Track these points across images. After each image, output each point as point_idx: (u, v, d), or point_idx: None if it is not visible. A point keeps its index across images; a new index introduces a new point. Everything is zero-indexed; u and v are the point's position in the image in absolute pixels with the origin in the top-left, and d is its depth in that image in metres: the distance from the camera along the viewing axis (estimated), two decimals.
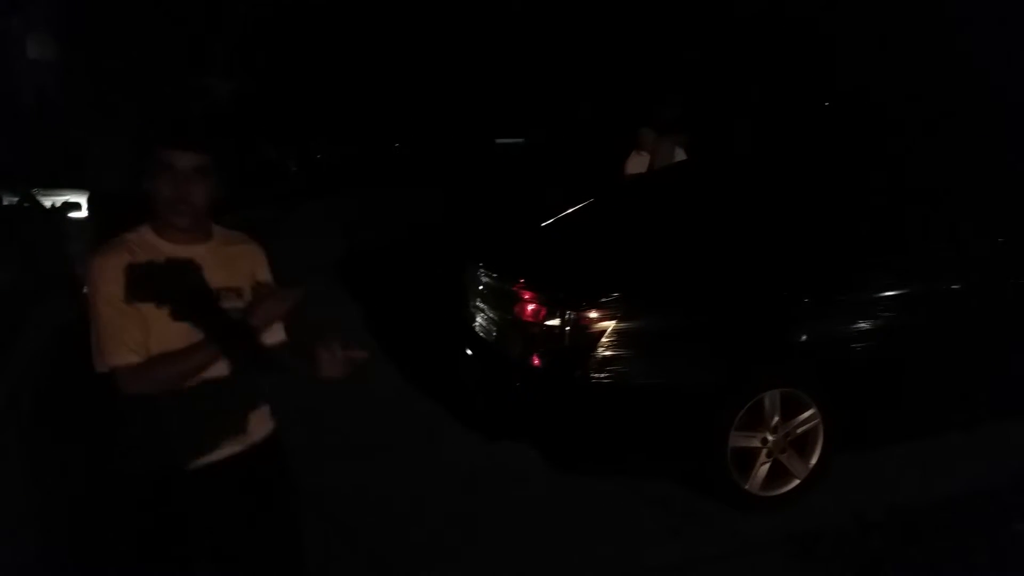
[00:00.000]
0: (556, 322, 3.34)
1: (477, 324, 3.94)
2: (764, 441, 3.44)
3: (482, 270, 3.91)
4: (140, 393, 1.82)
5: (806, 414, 3.47)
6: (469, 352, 3.96)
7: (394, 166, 16.55)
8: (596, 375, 3.29)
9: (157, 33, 16.11)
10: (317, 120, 19.35)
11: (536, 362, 3.44)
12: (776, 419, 3.44)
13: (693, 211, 3.93)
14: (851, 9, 13.28)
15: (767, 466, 3.45)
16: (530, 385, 3.49)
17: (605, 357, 3.28)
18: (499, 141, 16.83)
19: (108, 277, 1.79)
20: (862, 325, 3.57)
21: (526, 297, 3.50)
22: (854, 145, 4.66)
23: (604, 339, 3.29)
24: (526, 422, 3.61)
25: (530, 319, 3.46)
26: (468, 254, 4.14)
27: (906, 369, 3.67)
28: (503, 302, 3.68)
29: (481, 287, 3.91)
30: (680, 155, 6.99)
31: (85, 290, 1.84)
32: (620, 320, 3.29)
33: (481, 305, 3.90)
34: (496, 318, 3.75)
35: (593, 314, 3.30)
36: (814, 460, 3.49)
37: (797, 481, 3.48)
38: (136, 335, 1.79)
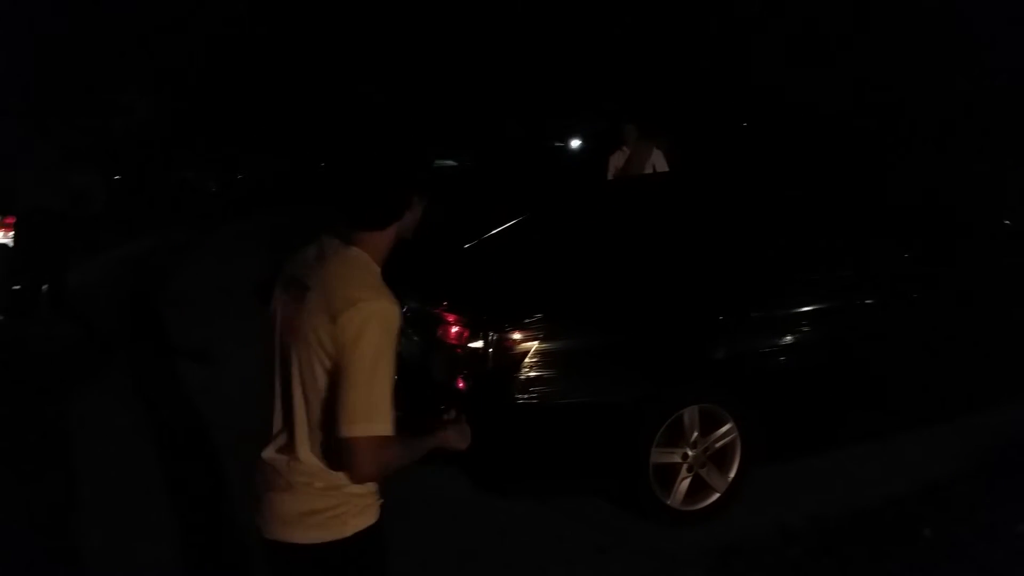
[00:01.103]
0: (479, 344, 3.35)
1: (402, 348, 3.90)
2: (684, 456, 3.50)
3: (405, 292, 3.89)
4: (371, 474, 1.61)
5: (724, 428, 3.56)
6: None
7: (322, 184, 16.33)
8: (520, 396, 3.30)
9: (79, 49, 15.62)
10: (241, 138, 18.99)
11: (461, 385, 3.44)
12: (695, 434, 3.51)
13: (612, 232, 4.00)
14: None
15: (688, 481, 3.52)
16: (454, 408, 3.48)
17: (529, 378, 3.30)
18: (437, 162, 16.80)
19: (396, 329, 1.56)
20: (776, 341, 3.68)
21: (449, 320, 3.50)
22: (768, 164, 4.84)
23: (527, 360, 3.30)
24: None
25: (454, 342, 3.46)
26: (392, 277, 4.11)
27: (820, 383, 3.79)
28: (427, 325, 3.66)
29: (405, 310, 3.89)
30: (659, 157, 7.16)
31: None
32: (543, 341, 3.32)
33: (405, 329, 3.87)
34: (421, 341, 3.72)
35: (516, 336, 3.32)
36: (733, 473, 3.57)
37: (717, 495, 3.56)
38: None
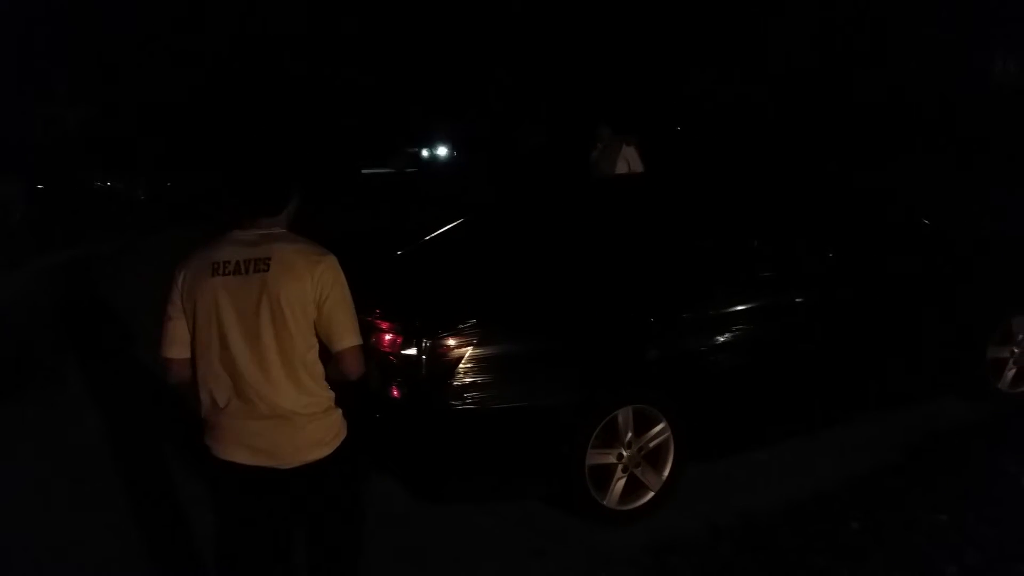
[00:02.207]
0: (413, 351, 3.32)
1: None
2: (619, 457, 3.54)
3: None
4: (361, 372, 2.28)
5: (657, 428, 3.60)
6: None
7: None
8: (455, 402, 3.29)
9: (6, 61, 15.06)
10: (172, 147, 18.50)
11: (395, 392, 3.41)
12: (630, 435, 3.55)
13: (545, 236, 4.02)
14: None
15: (623, 481, 3.56)
16: (389, 416, 3.45)
17: (463, 384, 3.29)
18: (365, 171, 16.63)
19: None
20: (706, 341, 3.75)
21: (382, 327, 3.46)
22: (699, 167, 4.93)
23: (462, 366, 3.30)
24: (387, 454, 3.56)
25: (387, 349, 3.43)
26: None
27: (750, 381, 3.87)
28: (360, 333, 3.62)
29: None
30: (631, 154, 7.46)
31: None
32: (477, 346, 3.32)
33: None
34: None
35: (450, 341, 3.31)
36: (667, 472, 3.62)
37: (652, 493, 3.60)
38: None
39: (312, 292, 2.16)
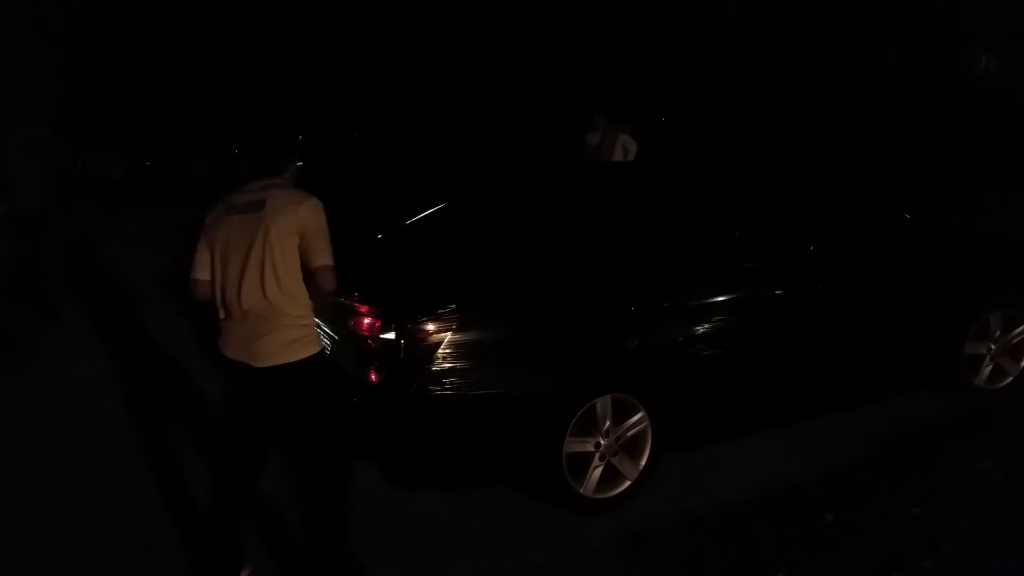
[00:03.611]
0: (391, 336, 3.29)
1: None
2: (597, 445, 3.53)
3: None
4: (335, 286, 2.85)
5: (635, 417, 3.60)
6: None
7: (240, 172, 15.75)
8: (433, 388, 3.27)
9: None
10: (152, 124, 18.12)
11: (373, 377, 3.37)
12: (608, 423, 3.54)
13: (526, 222, 3.98)
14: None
15: (600, 469, 3.55)
16: (367, 401, 3.41)
17: (442, 370, 3.27)
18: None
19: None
20: (686, 331, 3.74)
21: (361, 311, 3.42)
22: (681, 158, 4.91)
23: (440, 352, 3.27)
24: (364, 439, 3.52)
25: (365, 333, 3.39)
26: None
27: (728, 372, 3.87)
28: (338, 317, 3.57)
29: None
30: (628, 141, 7.55)
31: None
32: (456, 332, 3.29)
33: (316, 319, 3.77)
34: (331, 333, 3.64)
35: (429, 327, 3.28)
36: (644, 461, 3.62)
37: (629, 482, 3.60)
38: None
39: (295, 225, 2.74)
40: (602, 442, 3.54)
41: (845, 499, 3.52)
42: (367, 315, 3.37)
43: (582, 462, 3.52)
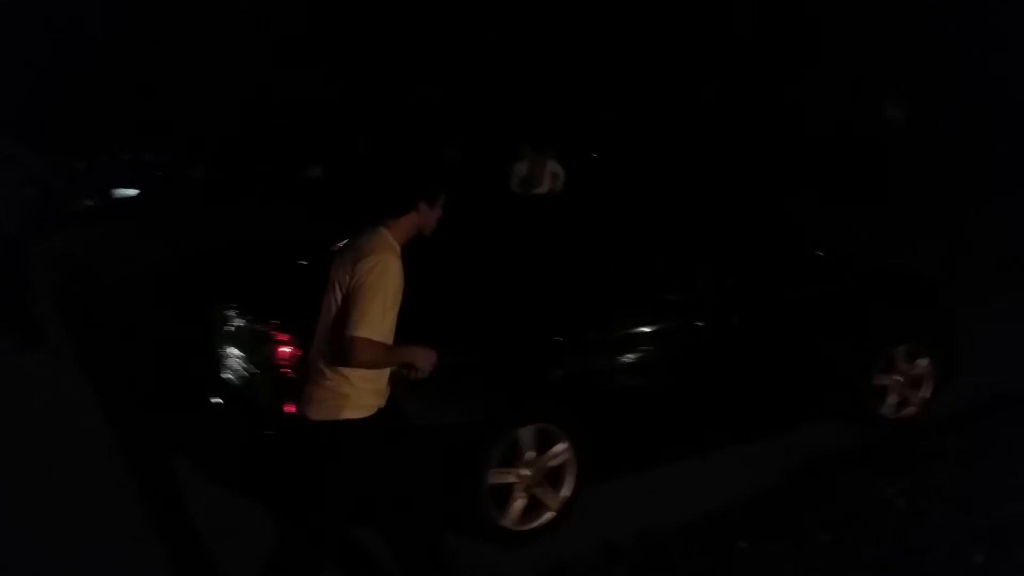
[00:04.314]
0: None
1: (226, 369, 3.70)
2: (520, 476, 3.53)
3: (233, 310, 3.70)
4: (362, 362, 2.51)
5: (559, 448, 3.61)
6: (217, 400, 3.71)
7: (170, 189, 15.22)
8: None
9: None
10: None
11: (291, 409, 3.28)
12: (531, 454, 3.54)
13: (451, 253, 3.99)
14: None
15: (523, 501, 3.54)
16: (284, 434, 3.32)
17: None
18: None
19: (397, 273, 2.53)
20: (610, 362, 3.80)
21: (281, 339, 3.35)
22: (608, 193, 5.01)
23: None
24: (281, 473, 3.43)
25: (284, 362, 3.32)
26: (218, 293, 3.91)
27: (650, 402, 3.93)
28: (255, 345, 3.49)
29: (231, 329, 3.69)
30: (556, 168, 7.75)
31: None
32: None
33: (231, 349, 3.68)
34: (247, 362, 3.55)
35: None
36: (567, 492, 3.63)
37: (551, 513, 3.60)
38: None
39: (347, 278, 2.52)
40: (525, 473, 3.54)
41: (760, 526, 3.60)
42: (285, 343, 3.29)
43: (504, 493, 3.50)
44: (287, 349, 3.31)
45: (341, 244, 2.67)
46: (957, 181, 12.19)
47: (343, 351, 2.48)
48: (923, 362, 4.88)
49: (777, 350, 4.41)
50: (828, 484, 3.99)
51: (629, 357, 3.84)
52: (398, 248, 2.61)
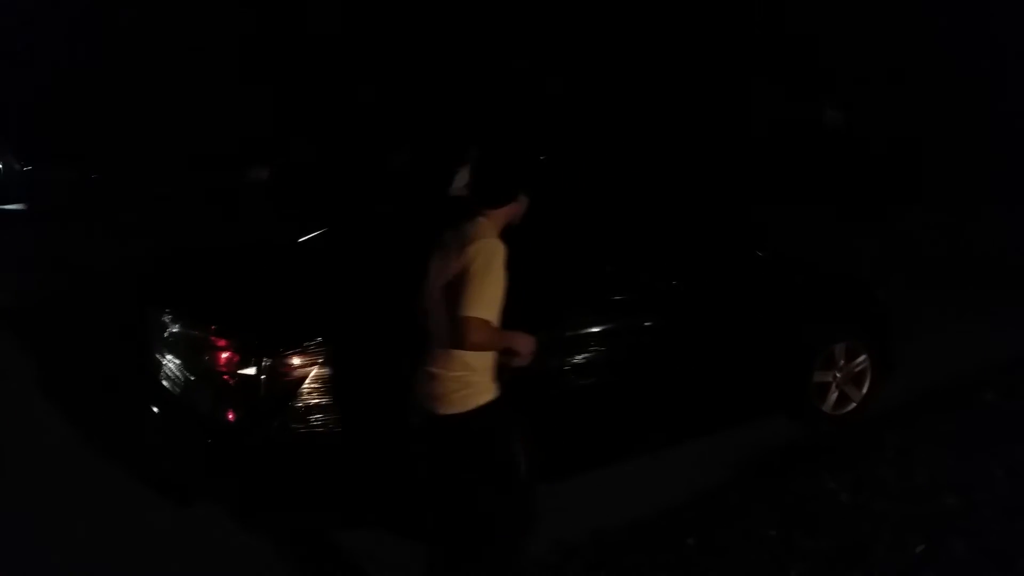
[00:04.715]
0: (252, 371, 3.13)
1: (163, 377, 3.59)
2: None
3: (168, 316, 3.58)
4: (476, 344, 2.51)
5: None
6: (154, 409, 3.59)
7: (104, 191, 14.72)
8: (297, 426, 3.13)
9: None
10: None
11: (230, 416, 3.19)
12: None
13: (403, 253, 3.93)
14: None
15: None
16: (224, 442, 3.23)
17: (307, 406, 3.14)
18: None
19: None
20: (558, 362, 3.77)
21: (219, 344, 3.25)
22: (556, 193, 4.98)
23: (305, 387, 3.15)
24: (220, 482, 3.34)
25: (223, 368, 3.22)
26: (153, 298, 3.79)
27: (601, 401, 3.93)
28: (193, 351, 3.39)
29: (167, 335, 3.57)
30: None
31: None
32: (322, 366, 3.18)
33: (168, 356, 3.56)
34: (185, 369, 3.44)
35: (292, 361, 3.14)
36: None
37: None
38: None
39: (460, 266, 2.52)
40: None
41: (709, 522, 3.63)
42: (224, 349, 3.20)
43: None
44: (226, 355, 3.21)
45: (447, 232, 2.69)
46: (902, 181, 12.58)
47: (457, 333, 2.48)
48: (862, 359, 5.00)
49: (721, 349, 4.45)
50: (773, 480, 4.05)
51: (577, 357, 3.82)
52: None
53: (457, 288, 2.50)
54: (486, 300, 2.48)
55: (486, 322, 2.48)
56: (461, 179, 7.86)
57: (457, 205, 5.61)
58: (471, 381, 2.61)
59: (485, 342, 2.53)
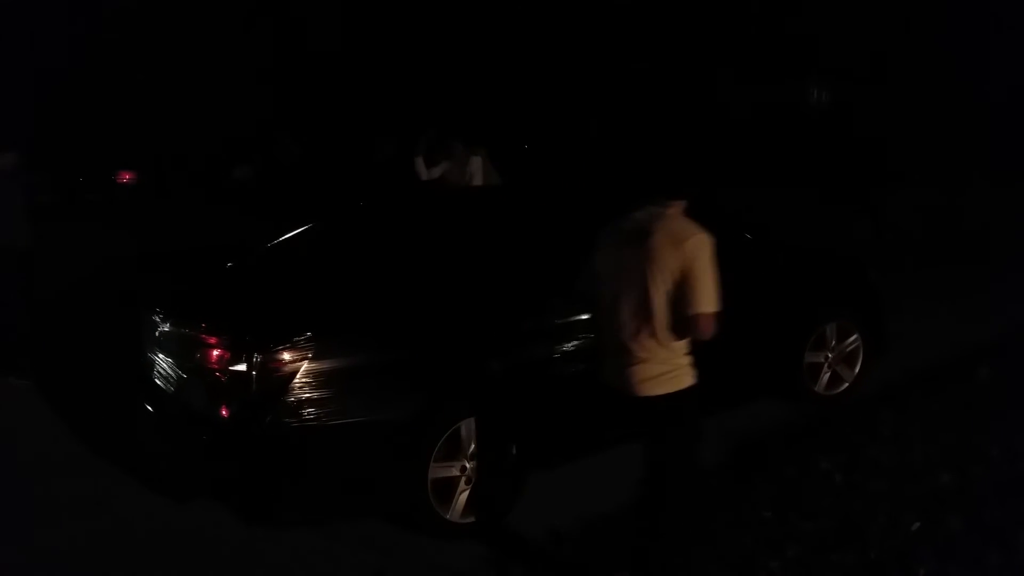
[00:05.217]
0: (243, 367, 3.14)
1: (157, 376, 3.58)
2: (463, 469, 3.50)
3: (160, 315, 3.57)
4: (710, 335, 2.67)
5: None
6: (148, 408, 3.59)
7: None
8: (290, 420, 3.14)
9: None
10: None
11: (224, 412, 3.20)
12: (473, 446, 3.51)
13: (389, 247, 3.93)
14: None
15: (467, 493, 3.51)
16: (218, 438, 3.23)
17: (299, 400, 3.15)
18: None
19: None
20: (547, 351, 3.78)
21: (210, 342, 3.26)
22: (541, 182, 5.00)
23: (296, 382, 3.15)
24: (216, 478, 3.34)
25: (215, 366, 3.22)
26: (146, 298, 3.78)
27: (589, 389, 3.93)
28: (185, 349, 3.39)
29: (159, 334, 3.57)
30: (480, 165, 7.66)
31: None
32: (312, 360, 3.18)
33: (160, 355, 3.56)
34: (178, 367, 3.44)
35: (283, 356, 3.15)
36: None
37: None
38: None
39: (676, 261, 2.60)
40: (467, 466, 3.50)
41: (703, 504, 3.63)
42: (215, 346, 3.20)
43: (448, 487, 3.47)
44: (217, 352, 3.21)
45: (626, 226, 2.80)
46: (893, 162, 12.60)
47: (691, 328, 2.65)
48: (854, 339, 5.01)
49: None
50: (765, 461, 4.06)
51: (566, 346, 3.82)
52: None
53: (684, 285, 2.62)
54: (715, 294, 2.64)
55: (717, 314, 2.64)
56: (427, 165, 7.80)
57: (432, 192, 5.59)
58: (679, 364, 2.77)
59: (715, 333, 2.67)
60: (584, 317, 3.92)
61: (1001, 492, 3.55)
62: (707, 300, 2.61)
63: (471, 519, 3.52)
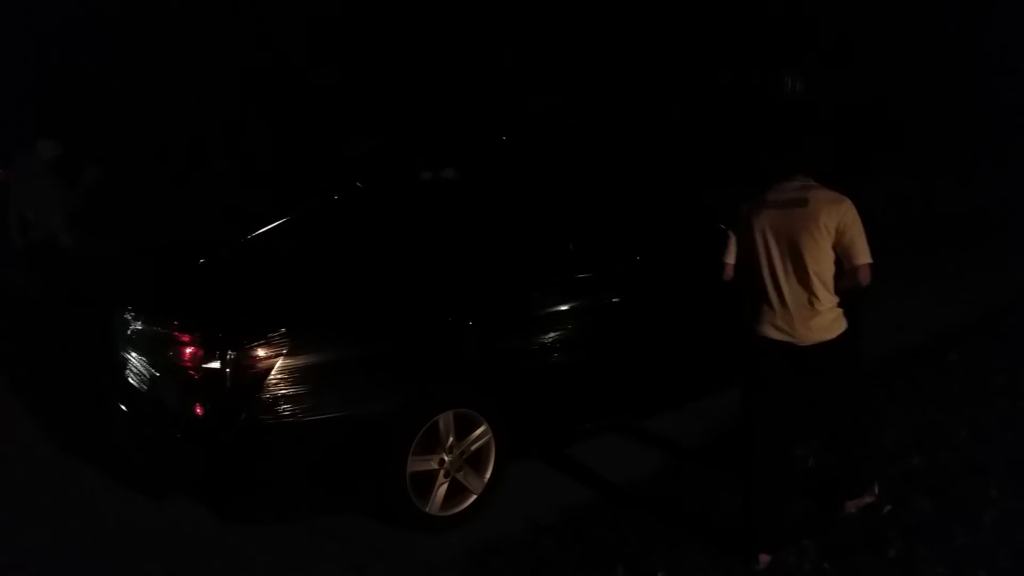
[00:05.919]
0: (216, 364, 3.11)
1: (130, 375, 3.55)
2: (441, 462, 3.50)
3: (131, 314, 3.54)
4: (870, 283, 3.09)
5: (478, 431, 3.59)
6: (123, 407, 3.56)
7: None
8: (265, 417, 3.12)
9: None
10: None
11: (197, 410, 3.17)
12: (451, 439, 3.52)
13: (363, 240, 3.91)
14: None
15: (445, 486, 3.51)
16: (192, 436, 3.21)
17: (273, 397, 3.13)
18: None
19: None
20: (525, 342, 3.79)
21: (182, 339, 3.22)
22: (518, 173, 4.99)
23: (271, 378, 3.13)
24: (191, 476, 3.32)
25: (188, 363, 3.20)
26: (116, 297, 3.74)
27: (567, 379, 3.95)
28: (157, 347, 3.36)
29: (131, 333, 3.53)
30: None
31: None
32: (287, 356, 3.16)
33: (133, 353, 3.53)
34: (151, 366, 3.41)
35: (257, 352, 3.12)
36: (489, 474, 3.62)
37: (475, 496, 3.59)
38: None
39: (834, 222, 3.02)
40: (446, 459, 3.51)
41: (678, 493, 3.69)
42: (188, 344, 3.18)
43: (427, 480, 3.47)
44: (190, 349, 3.18)
45: (776, 196, 3.15)
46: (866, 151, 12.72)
47: (862, 276, 3.04)
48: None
49: (686, 322, 4.47)
50: (739, 449, 4.08)
51: (544, 336, 3.84)
52: None
53: (844, 240, 3.04)
54: (868, 248, 3.06)
55: (873, 264, 3.06)
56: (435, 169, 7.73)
57: (428, 189, 5.56)
58: (840, 312, 3.16)
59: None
60: (559, 308, 3.95)
61: (971, 473, 3.61)
62: (867, 252, 3.04)
63: (451, 511, 3.52)
